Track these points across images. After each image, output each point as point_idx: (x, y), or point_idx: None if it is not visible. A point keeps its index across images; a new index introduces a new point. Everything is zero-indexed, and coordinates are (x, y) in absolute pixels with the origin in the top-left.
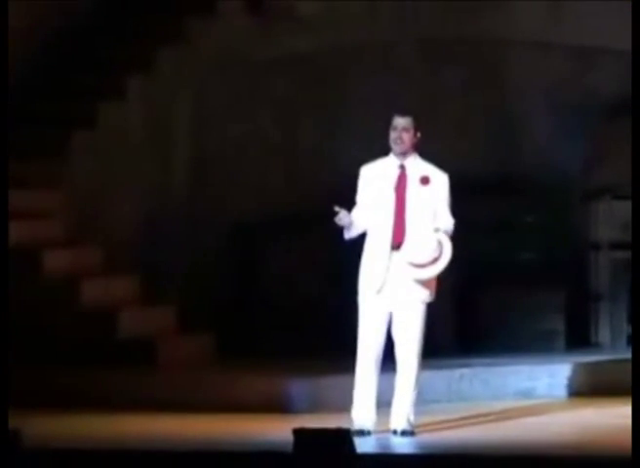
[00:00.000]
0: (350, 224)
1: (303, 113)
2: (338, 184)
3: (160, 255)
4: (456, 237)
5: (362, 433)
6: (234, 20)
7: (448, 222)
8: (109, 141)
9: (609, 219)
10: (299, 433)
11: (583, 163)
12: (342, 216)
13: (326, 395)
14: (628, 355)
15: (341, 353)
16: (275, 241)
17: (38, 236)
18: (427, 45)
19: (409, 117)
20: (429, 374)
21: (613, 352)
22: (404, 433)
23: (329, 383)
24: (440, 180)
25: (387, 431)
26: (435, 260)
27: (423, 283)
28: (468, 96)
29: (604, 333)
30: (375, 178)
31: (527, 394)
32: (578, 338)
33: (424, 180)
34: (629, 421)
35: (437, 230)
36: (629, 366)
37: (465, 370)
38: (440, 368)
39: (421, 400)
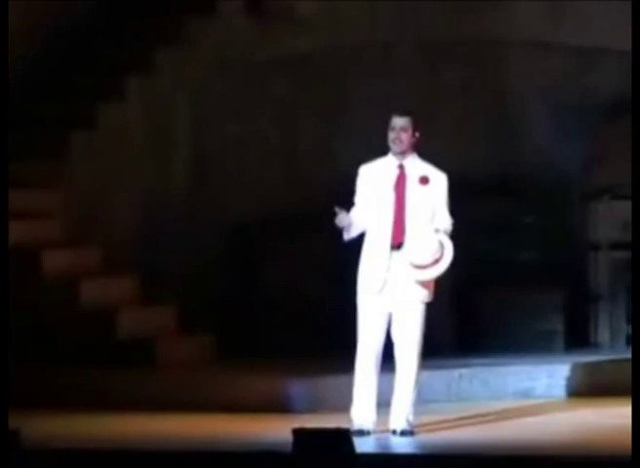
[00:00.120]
0: (350, 225)
1: (303, 113)
2: (337, 184)
3: (160, 256)
4: (455, 237)
5: (361, 433)
6: (234, 21)
7: (446, 222)
8: (109, 142)
9: (608, 219)
10: (298, 433)
11: (583, 163)
12: (342, 218)
13: (326, 395)
14: (627, 355)
15: (341, 353)
16: (275, 241)
17: (38, 236)
18: (427, 45)
19: (407, 117)
20: (429, 374)
21: (612, 352)
22: (403, 433)
23: (329, 383)
24: (439, 180)
25: (387, 431)
26: (437, 261)
27: (423, 283)
28: (468, 96)
29: (603, 333)
30: (374, 178)
31: (526, 394)
32: (577, 338)
33: (424, 180)
34: (629, 421)
35: (437, 231)
36: (628, 366)
37: (465, 370)
38: (439, 368)
39: (421, 400)
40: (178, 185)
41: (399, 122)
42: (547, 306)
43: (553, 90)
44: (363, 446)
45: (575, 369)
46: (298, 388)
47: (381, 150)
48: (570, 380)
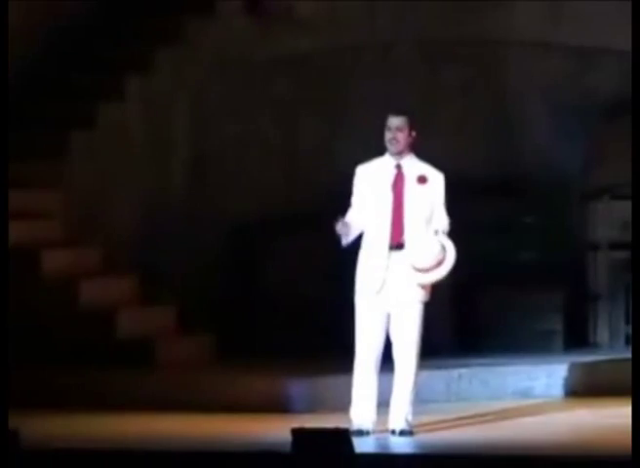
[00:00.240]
0: (349, 232)
1: (303, 113)
2: (337, 184)
3: (159, 256)
4: (454, 237)
5: (361, 433)
6: (233, 21)
7: (444, 222)
8: (108, 142)
9: (607, 219)
10: (297, 433)
11: (582, 163)
12: (342, 226)
13: (325, 395)
14: (627, 355)
15: (341, 353)
16: (275, 241)
17: (37, 236)
18: (427, 45)
19: (403, 117)
20: (428, 374)
21: (611, 352)
22: (402, 433)
23: (328, 383)
24: (436, 180)
25: (386, 431)
26: (439, 264)
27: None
28: (468, 96)
29: (602, 333)
30: (371, 178)
31: (525, 394)
32: (576, 338)
33: (421, 180)
34: (628, 421)
35: (437, 232)
36: (628, 366)
37: (464, 370)
38: (439, 367)
39: (420, 400)
40: (177, 185)
41: (395, 122)
42: (547, 306)
43: (553, 90)
44: (362, 445)
45: (574, 368)
46: (297, 388)
47: (381, 150)
48: (569, 380)
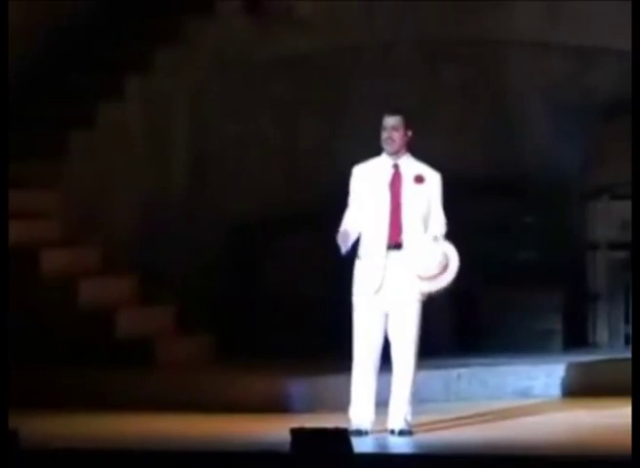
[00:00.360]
0: (348, 240)
1: (303, 113)
2: (337, 184)
3: (159, 255)
4: (454, 237)
5: (360, 433)
6: (233, 21)
7: (441, 221)
8: (108, 141)
9: (607, 219)
10: (296, 432)
11: (582, 163)
12: (342, 236)
13: (325, 395)
14: (626, 355)
15: (340, 353)
16: (274, 241)
17: (36, 236)
18: (426, 45)
19: (398, 116)
20: (427, 374)
21: (610, 352)
22: (402, 433)
23: (328, 383)
24: (433, 179)
25: (385, 431)
26: (444, 270)
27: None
28: (467, 96)
29: (602, 333)
30: (368, 178)
31: (525, 394)
32: (575, 338)
33: (419, 179)
34: (627, 421)
35: (436, 238)
36: (627, 365)
37: (463, 370)
38: (438, 367)
39: (419, 399)
40: (177, 185)
41: (390, 121)
42: (546, 306)
43: (553, 90)
44: (361, 445)
45: (573, 368)
46: (297, 388)
47: (381, 150)
48: (568, 380)
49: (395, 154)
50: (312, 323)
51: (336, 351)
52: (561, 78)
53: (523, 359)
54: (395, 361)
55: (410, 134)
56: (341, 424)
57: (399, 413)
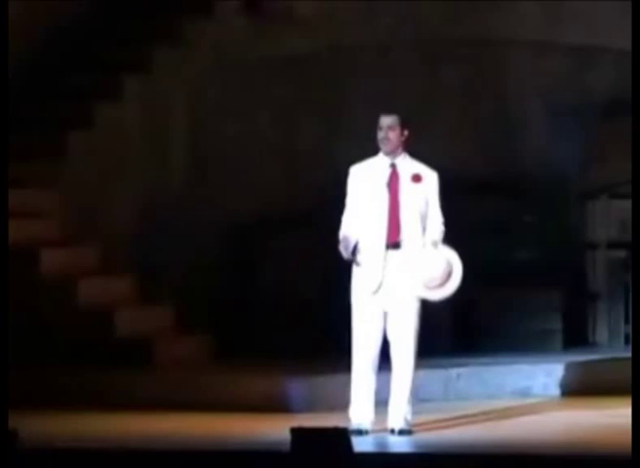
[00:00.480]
0: (349, 246)
1: (302, 113)
2: (336, 184)
3: (158, 255)
4: (453, 237)
5: (359, 432)
6: (232, 21)
7: (438, 220)
8: (107, 141)
9: (606, 219)
10: (296, 432)
11: (581, 162)
12: (344, 244)
13: (324, 394)
14: (626, 354)
15: (340, 353)
16: (273, 240)
17: (35, 235)
18: (426, 45)
19: (394, 116)
20: (427, 374)
21: (610, 351)
22: (401, 432)
23: (327, 383)
24: (431, 178)
25: (385, 430)
26: (449, 276)
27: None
28: (466, 96)
29: (601, 333)
30: (366, 178)
31: (524, 393)
32: (575, 338)
33: (416, 178)
34: (627, 421)
35: (435, 243)
36: (626, 365)
37: (463, 370)
38: (438, 367)
39: (419, 399)
40: (176, 185)
41: (386, 121)
42: (545, 305)
43: (551, 89)
44: (361, 445)
45: (572, 368)
46: (296, 388)
47: (379, 150)
48: (568, 379)
49: (392, 154)
50: (312, 322)
51: (335, 351)
52: (560, 78)
53: (522, 358)
54: (394, 360)
55: (406, 133)
56: (341, 424)
57: (399, 413)
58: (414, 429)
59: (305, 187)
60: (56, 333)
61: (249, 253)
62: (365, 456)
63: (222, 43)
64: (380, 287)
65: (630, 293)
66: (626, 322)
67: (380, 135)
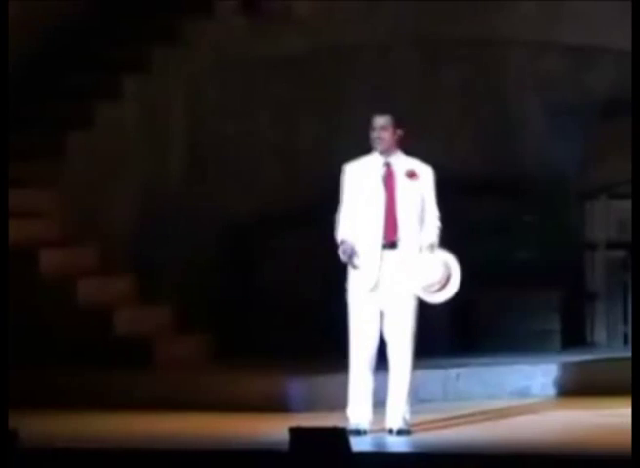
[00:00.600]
0: (349, 249)
1: (300, 113)
2: (335, 183)
3: (157, 254)
4: (452, 237)
5: (358, 432)
6: (231, 21)
7: (435, 216)
8: (106, 141)
9: (605, 219)
10: (294, 432)
11: (580, 162)
12: (344, 250)
13: (323, 394)
14: (624, 354)
15: (339, 352)
16: (273, 240)
17: (34, 235)
18: (425, 45)
19: (387, 116)
20: (426, 374)
21: (609, 351)
22: (400, 432)
23: (327, 382)
24: (426, 174)
25: (383, 430)
26: (448, 279)
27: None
28: (466, 95)
29: (600, 333)
30: (361, 175)
31: (523, 393)
32: (573, 338)
33: (411, 175)
34: (626, 421)
35: (432, 246)
36: (625, 365)
37: (462, 370)
38: (436, 367)
39: (417, 399)
40: (175, 184)
41: (379, 121)
42: (544, 305)
43: (551, 89)
44: (359, 445)
45: (571, 368)
46: (295, 387)
47: None
48: (566, 379)
49: (386, 153)
50: (311, 322)
51: (334, 350)
52: (559, 78)
53: (521, 358)
54: (392, 359)
55: (400, 132)
56: (341, 424)
57: (397, 413)
58: (412, 429)
59: (305, 187)
60: (55, 333)
61: (248, 252)
62: (363, 456)
63: (222, 43)
64: (376, 285)
65: (629, 294)
66: (625, 322)
67: (373, 135)
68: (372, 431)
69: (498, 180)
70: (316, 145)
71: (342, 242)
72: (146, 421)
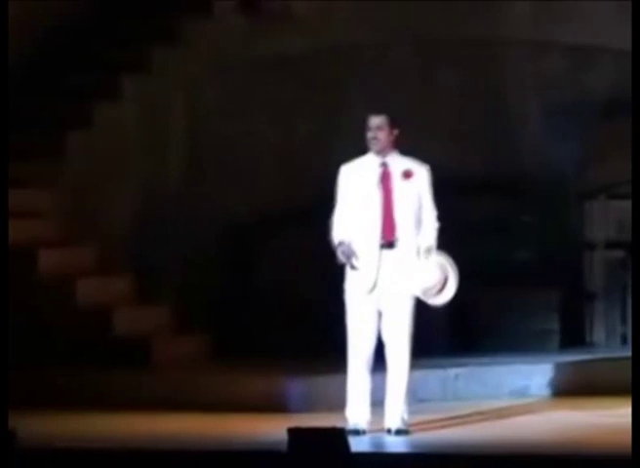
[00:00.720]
0: (347, 251)
1: (299, 113)
2: (334, 183)
3: (155, 254)
4: (451, 237)
5: (356, 432)
6: (230, 20)
7: (432, 215)
8: (105, 141)
9: (604, 219)
10: (293, 432)
11: (579, 162)
12: (343, 251)
13: (323, 394)
14: (622, 354)
15: (338, 353)
16: (271, 240)
17: (33, 235)
18: (423, 45)
19: (383, 116)
20: (425, 374)
21: (607, 351)
22: (398, 432)
23: (326, 383)
24: (422, 173)
25: (382, 430)
26: (446, 281)
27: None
28: (465, 95)
29: (598, 333)
30: (357, 177)
31: (521, 393)
32: (572, 338)
33: (407, 174)
34: (625, 420)
35: (429, 250)
36: (623, 365)
37: (461, 370)
38: (435, 367)
39: (416, 399)
40: (174, 184)
41: (375, 121)
42: (543, 305)
43: (550, 89)
44: (358, 445)
45: (570, 368)
46: (294, 387)
47: None
48: (565, 379)
49: (381, 153)
50: (310, 322)
51: (334, 350)
52: (559, 78)
53: (520, 358)
54: (389, 360)
55: (395, 132)
56: (340, 424)
57: (395, 413)
58: (411, 429)
59: (304, 187)
60: (53, 333)
61: (247, 252)
62: (362, 456)
63: (221, 43)
64: (375, 286)
65: (627, 294)
66: (623, 322)
67: (369, 135)
68: (370, 431)
69: (497, 180)
70: (316, 145)
71: (340, 243)
72: (146, 421)
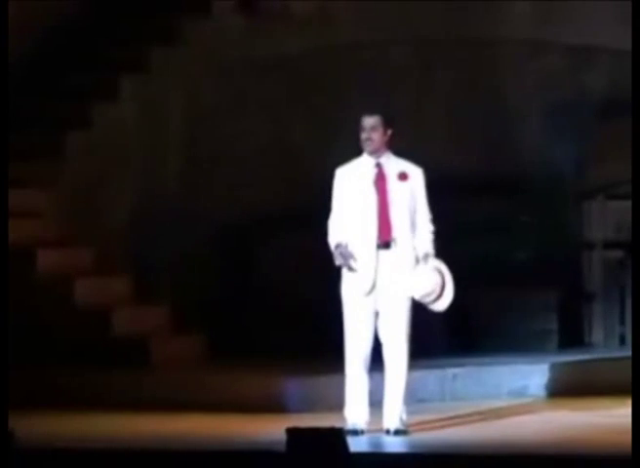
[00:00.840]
0: (345, 252)
1: (297, 113)
2: (331, 184)
3: (154, 255)
4: (449, 237)
5: (355, 432)
6: (229, 20)
7: (426, 217)
8: (104, 141)
9: (602, 219)
10: (292, 432)
11: (578, 162)
12: (340, 253)
13: (322, 394)
14: (621, 354)
15: (336, 353)
16: (269, 240)
17: (32, 235)
18: (422, 44)
19: (377, 116)
20: (423, 374)
21: (606, 351)
22: (397, 432)
23: (324, 383)
24: (417, 175)
25: (381, 430)
26: (444, 286)
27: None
28: (464, 95)
29: (597, 333)
30: (352, 178)
31: (520, 393)
32: (571, 338)
33: (402, 176)
34: (623, 420)
35: (426, 256)
36: (622, 365)
37: (459, 370)
38: (434, 367)
39: (415, 399)
40: (172, 184)
41: (368, 121)
42: (541, 305)
43: (549, 89)
44: (356, 445)
45: (569, 368)
46: (293, 388)
47: None
48: (564, 380)
49: (375, 153)
50: (310, 322)
51: (333, 351)
52: (557, 77)
53: (519, 358)
54: (387, 360)
55: (390, 132)
56: (339, 424)
57: (394, 413)
58: (410, 429)
59: (304, 186)
60: (52, 333)
61: (246, 252)
62: (360, 456)
63: (219, 43)
64: (373, 287)
65: (626, 294)
66: (622, 322)
67: (363, 135)
68: (369, 431)
69: (496, 180)
70: (315, 145)
71: (338, 245)
72: (145, 421)
